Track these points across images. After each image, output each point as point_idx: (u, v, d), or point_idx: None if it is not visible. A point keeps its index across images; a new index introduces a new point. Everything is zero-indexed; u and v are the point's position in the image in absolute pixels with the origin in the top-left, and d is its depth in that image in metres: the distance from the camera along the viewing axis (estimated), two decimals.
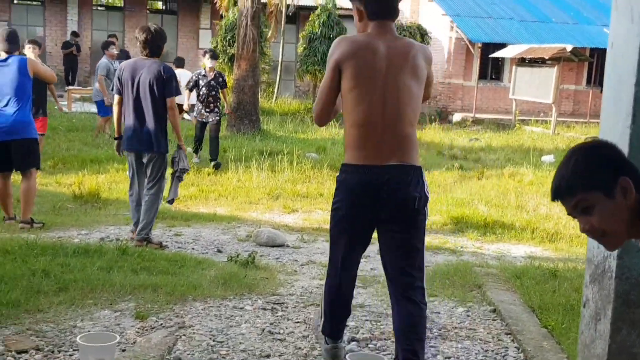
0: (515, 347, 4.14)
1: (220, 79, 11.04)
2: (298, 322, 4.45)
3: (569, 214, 1.92)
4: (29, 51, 8.40)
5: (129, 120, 6.21)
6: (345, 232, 3.43)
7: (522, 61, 21.63)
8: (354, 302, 3.86)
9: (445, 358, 3.98)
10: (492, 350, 4.10)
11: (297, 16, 24.77)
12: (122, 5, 25.99)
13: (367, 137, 3.27)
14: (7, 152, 6.66)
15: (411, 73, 3.31)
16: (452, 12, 23.49)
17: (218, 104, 11.08)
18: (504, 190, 10.22)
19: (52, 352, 3.74)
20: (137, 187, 6.38)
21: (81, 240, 6.30)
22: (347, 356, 3.49)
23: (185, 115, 13.59)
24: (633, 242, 1.98)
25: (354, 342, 4.08)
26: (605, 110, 2.99)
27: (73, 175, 9.58)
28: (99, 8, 26.04)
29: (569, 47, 19.66)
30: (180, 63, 14.76)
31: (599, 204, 1.84)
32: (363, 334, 4.29)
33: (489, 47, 23.20)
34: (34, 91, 6.89)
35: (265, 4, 19.80)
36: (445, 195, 9.68)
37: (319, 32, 21.03)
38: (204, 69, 11.09)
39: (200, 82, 10.86)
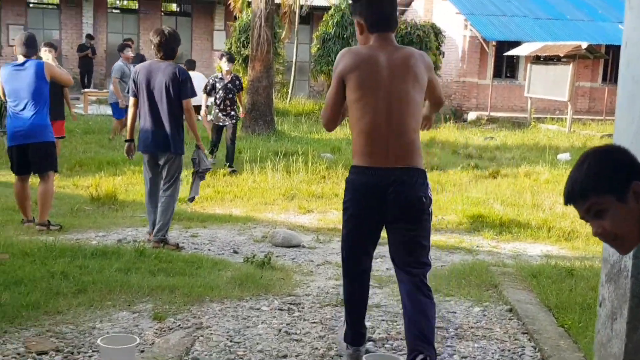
0: (532, 347, 4.14)
1: (237, 82, 10.99)
2: (314, 322, 4.47)
3: (581, 217, 1.93)
4: (45, 54, 8.46)
5: (145, 122, 6.26)
6: (355, 231, 3.60)
7: (537, 59, 21.53)
8: (370, 302, 3.89)
9: (462, 358, 3.99)
10: (509, 350, 4.11)
11: (311, 16, 24.80)
12: (137, 7, 26.13)
13: (374, 144, 3.46)
14: (24, 156, 6.74)
15: (412, 81, 3.49)
16: (466, 11, 23.42)
17: (235, 107, 11.02)
18: (520, 189, 10.19)
19: (72, 353, 3.78)
20: (153, 188, 6.43)
21: (99, 242, 6.36)
22: (363, 357, 3.51)
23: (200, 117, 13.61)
24: None
25: (370, 342, 4.10)
26: (620, 110, 2.99)
27: (90, 178, 9.66)
28: (113, 11, 26.22)
29: (584, 45, 19.56)
30: (191, 65, 14.80)
31: (611, 208, 1.86)
32: (379, 334, 4.30)
33: (503, 45, 23.11)
34: (50, 95, 6.95)
35: (278, 5, 19.82)
36: (460, 194, 9.66)
37: (332, 32, 21.03)
38: (220, 72, 11.09)
39: (217, 85, 10.84)
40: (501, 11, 24.04)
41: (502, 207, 8.88)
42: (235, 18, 22.30)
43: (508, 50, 22.71)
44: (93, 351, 3.79)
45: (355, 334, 3.80)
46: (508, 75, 24.98)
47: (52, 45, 9.05)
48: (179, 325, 4.29)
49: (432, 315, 3.52)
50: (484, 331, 4.41)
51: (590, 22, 24.40)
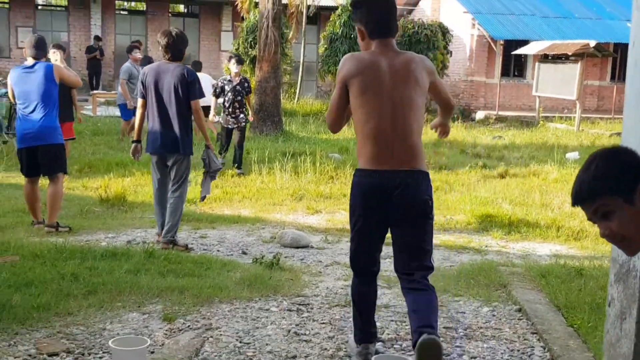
0: (541, 347, 4.14)
1: (246, 84, 10.95)
2: (323, 323, 4.48)
3: (588, 219, 1.94)
4: (53, 56, 8.49)
5: (153, 123, 6.28)
6: (362, 232, 3.68)
7: (545, 58, 21.47)
8: (379, 302, 3.91)
9: (471, 358, 3.99)
10: (518, 350, 4.11)
11: (318, 17, 24.80)
12: (145, 9, 26.21)
13: (380, 147, 3.55)
14: (34, 158, 6.78)
15: (414, 85, 3.58)
16: (473, 10, 23.38)
17: (244, 109, 10.97)
18: (528, 189, 10.17)
19: (83, 354, 3.81)
20: (161, 189, 6.46)
21: (108, 244, 6.39)
22: (373, 358, 3.52)
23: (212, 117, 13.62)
24: None
25: (379, 343, 4.10)
26: (628, 108, 2.99)
27: (99, 179, 9.70)
28: (121, 12, 26.31)
29: (593, 43, 19.50)
30: (197, 67, 14.80)
31: (618, 210, 1.86)
32: (388, 334, 4.31)
33: (511, 44, 23.06)
34: (59, 96, 6.98)
35: (286, 5, 19.84)
36: (469, 194, 9.65)
37: (340, 32, 21.01)
38: (229, 74, 11.08)
39: (226, 87, 10.82)
40: (509, 10, 23.99)
41: (511, 206, 8.87)
42: (242, 19, 22.33)
43: (516, 49, 22.66)
44: (104, 352, 3.81)
45: (364, 332, 3.83)
46: (516, 74, 24.92)
47: (61, 47, 9.06)
48: (189, 326, 4.31)
49: (436, 306, 3.56)
50: (493, 331, 4.41)
51: (598, 20, 24.32)
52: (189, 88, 6.22)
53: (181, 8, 27.83)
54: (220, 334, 4.20)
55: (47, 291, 4.63)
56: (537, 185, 10.47)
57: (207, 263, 5.71)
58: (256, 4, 18.59)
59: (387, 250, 3.96)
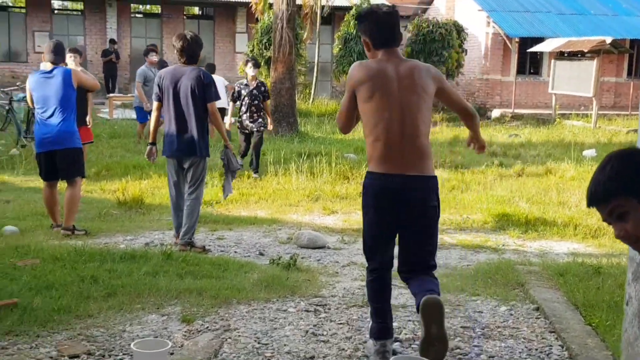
0: (560, 345, 4.13)
1: (263, 88, 10.87)
2: (341, 323, 4.50)
3: (604, 220, 1.94)
4: (70, 60, 8.54)
5: (170, 126, 6.32)
6: (375, 232, 3.84)
7: (561, 55, 21.36)
8: (396, 302, 3.93)
9: (489, 357, 3.99)
10: (536, 349, 4.10)
11: (332, 17, 24.82)
12: (160, 12, 26.34)
13: (389, 151, 3.68)
14: (52, 162, 6.84)
15: (420, 91, 3.72)
16: (488, 8, 23.31)
17: (262, 113, 10.87)
18: (545, 187, 10.13)
19: (103, 356, 3.85)
20: (177, 192, 6.50)
21: (127, 246, 6.44)
22: (391, 359, 3.53)
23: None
24: None
25: (397, 343, 4.12)
26: None
27: (117, 182, 9.78)
28: (137, 15, 26.45)
29: (609, 39, 19.37)
30: (211, 69, 14.85)
31: (633, 211, 1.86)
32: (406, 334, 4.32)
33: (526, 42, 22.97)
34: (77, 101, 7.05)
35: (300, 6, 19.86)
36: (485, 192, 9.63)
37: (354, 32, 21.00)
38: (246, 77, 11.07)
39: (243, 91, 10.80)
40: (524, 7, 23.90)
41: (528, 205, 8.84)
42: (257, 20, 22.39)
43: (531, 46, 22.55)
44: (124, 354, 3.85)
45: (381, 328, 3.87)
46: (532, 71, 24.82)
47: (77, 51, 9.11)
48: (207, 327, 4.34)
49: (437, 285, 3.72)
50: (511, 330, 4.41)
51: (614, 16, 24.16)
52: (205, 90, 6.26)
53: (196, 10, 27.95)
54: (239, 335, 4.23)
55: (68, 294, 4.68)
56: (554, 183, 10.42)
57: (224, 264, 5.74)
58: (270, 5, 18.63)
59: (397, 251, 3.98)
